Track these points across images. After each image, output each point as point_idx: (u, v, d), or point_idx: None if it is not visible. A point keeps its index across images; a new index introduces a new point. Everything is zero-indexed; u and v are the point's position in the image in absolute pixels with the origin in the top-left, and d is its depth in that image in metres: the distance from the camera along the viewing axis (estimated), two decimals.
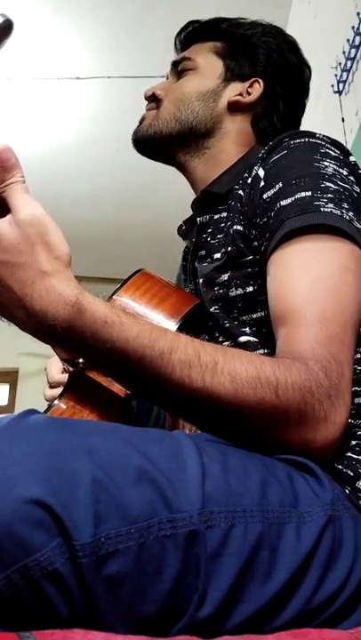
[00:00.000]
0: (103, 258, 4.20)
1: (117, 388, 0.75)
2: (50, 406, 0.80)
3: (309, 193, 0.73)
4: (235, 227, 0.84)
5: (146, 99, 1.03)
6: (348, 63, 1.98)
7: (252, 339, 0.80)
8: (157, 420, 0.95)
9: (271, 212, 0.75)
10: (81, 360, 0.74)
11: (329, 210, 0.71)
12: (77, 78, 3.04)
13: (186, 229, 1.02)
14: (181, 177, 1.04)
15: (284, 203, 0.74)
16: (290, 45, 1.02)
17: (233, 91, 0.99)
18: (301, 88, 1.04)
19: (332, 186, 0.74)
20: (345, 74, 2.02)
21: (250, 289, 0.81)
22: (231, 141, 0.98)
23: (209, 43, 1.02)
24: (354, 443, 0.68)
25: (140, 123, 1.01)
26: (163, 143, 0.99)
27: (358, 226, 0.72)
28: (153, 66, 2.49)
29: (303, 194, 0.73)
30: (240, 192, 0.86)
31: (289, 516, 0.56)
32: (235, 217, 0.85)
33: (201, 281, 0.90)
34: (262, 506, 0.55)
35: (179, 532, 0.50)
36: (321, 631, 0.52)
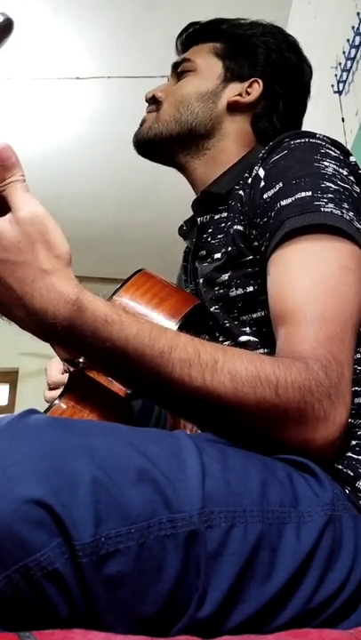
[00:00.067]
0: (103, 258, 4.20)
1: (117, 388, 0.75)
2: (50, 406, 0.81)
3: (310, 193, 0.73)
4: (235, 227, 0.84)
5: (146, 101, 1.03)
6: (348, 63, 1.98)
7: (252, 338, 0.80)
8: (158, 421, 0.95)
9: (271, 212, 0.76)
10: (81, 360, 0.74)
11: (329, 210, 0.71)
12: (77, 78, 3.04)
13: (186, 230, 1.02)
14: (181, 177, 1.04)
15: (284, 203, 0.74)
16: (290, 45, 1.02)
17: (232, 91, 0.99)
18: (302, 87, 1.04)
19: (333, 186, 0.74)
20: (345, 74, 2.02)
21: (250, 289, 0.81)
22: (231, 142, 0.98)
23: (209, 44, 1.02)
24: (354, 443, 0.68)
25: (141, 125, 1.01)
26: (163, 145, 0.99)
27: (358, 226, 0.72)
28: (153, 66, 2.49)
29: (303, 194, 0.73)
30: (240, 192, 0.86)
31: (289, 515, 0.56)
32: (235, 217, 0.85)
33: (201, 281, 0.90)
34: (262, 506, 0.55)
35: (179, 531, 0.50)
36: (321, 631, 0.52)
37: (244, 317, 0.82)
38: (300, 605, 0.54)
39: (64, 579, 0.45)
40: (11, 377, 4.55)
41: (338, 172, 0.78)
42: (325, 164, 0.77)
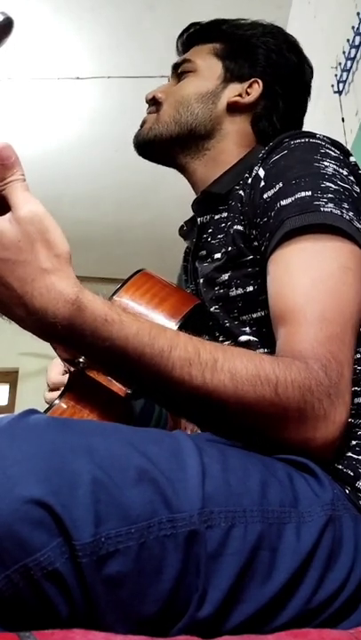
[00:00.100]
0: (103, 258, 4.20)
1: (117, 388, 0.75)
2: (50, 406, 0.81)
3: (309, 193, 0.73)
4: (235, 227, 0.84)
5: (147, 102, 1.03)
6: (349, 63, 1.98)
7: (252, 338, 0.81)
8: (159, 421, 0.95)
9: (271, 212, 0.76)
10: (81, 359, 0.74)
11: (329, 209, 0.71)
12: (77, 78, 3.04)
13: (187, 230, 1.02)
14: (181, 177, 1.04)
15: (284, 202, 0.74)
16: (290, 45, 1.02)
17: (232, 91, 0.99)
18: (302, 88, 1.04)
19: (333, 186, 0.74)
20: (345, 74, 2.02)
21: (250, 289, 0.81)
22: (231, 142, 0.98)
23: (209, 44, 1.02)
24: (354, 443, 0.68)
25: (141, 126, 1.02)
26: (163, 146, 0.99)
27: (358, 225, 0.73)
28: (153, 66, 2.49)
29: (303, 194, 0.73)
30: (240, 192, 0.86)
31: (289, 515, 0.56)
32: (235, 217, 0.85)
33: (201, 281, 0.90)
34: (262, 506, 0.55)
35: (179, 531, 0.50)
36: (321, 631, 0.52)
37: (244, 317, 0.82)
38: (300, 605, 0.54)
39: (64, 579, 0.45)
40: (11, 377, 4.55)
41: (338, 171, 0.78)
42: (325, 163, 0.77)
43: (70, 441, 0.50)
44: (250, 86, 0.99)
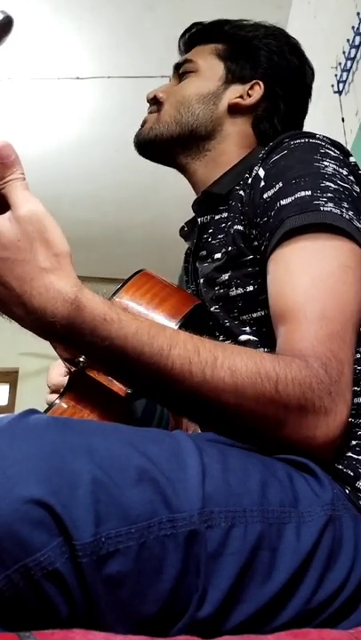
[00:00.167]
0: (103, 258, 4.20)
1: (118, 388, 0.75)
2: (50, 406, 0.81)
3: (309, 192, 0.73)
4: (235, 227, 0.84)
5: (148, 101, 1.03)
6: (348, 63, 1.98)
7: (252, 338, 0.81)
8: (161, 421, 0.95)
9: (271, 212, 0.76)
10: (82, 359, 0.74)
11: (329, 209, 0.71)
12: (77, 78, 3.04)
13: (187, 231, 1.02)
14: (182, 177, 1.04)
15: (284, 202, 0.74)
16: (292, 47, 1.02)
17: (233, 93, 0.99)
18: (303, 90, 1.04)
19: (332, 185, 0.74)
20: (345, 74, 2.02)
21: (250, 288, 0.81)
22: (232, 143, 0.98)
23: (211, 45, 1.02)
24: (354, 443, 0.68)
25: (142, 126, 1.01)
26: (164, 146, 0.99)
27: (358, 225, 0.73)
28: (153, 66, 2.49)
29: (303, 193, 0.73)
30: (241, 192, 0.86)
31: (289, 515, 0.56)
32: (235, 217, 0.85)
33: (202, 281, 0.90)
34: (262, 506, 0.55)
35: (179, 531, 0.50)
36: (321, 631, 0.52)
37: (245, 317, 0.82)
38: (300, 605, 0.54)
39: (64, 578, 0.45)
40: (11, 377, 4.55)
41: (338, 171, 0.78)
42: (325, 163, 0.77)
43: (70, 441, 0.50)
44: (251, 88, 0.98)
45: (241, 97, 0.98)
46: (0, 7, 0.63)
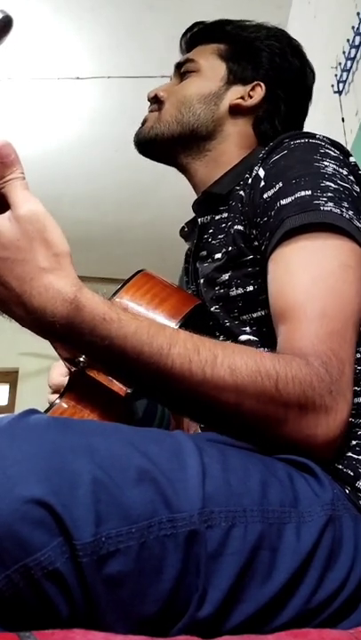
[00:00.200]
0: (103, 258, 4.20)
1: (118, 388, 0.75)
2: (51, 406, 0.81)
3: (309, 192, 0.73)
4: (235, 227, 0.84)
5: (148, 100, 1.03)
6: (348, 63, 1.98)
7: (252, 338, 0.81)
8: (162, 421, 0.95)
9: (271, 212, 0.76)
10: (82, 359, 0.74)
11: (329, 208, 0.71)
12: (77, 78, 3.04)
13: (188, 231, 1.02)
14: (182, 177, 1.04)
15: (284, 202, 0.74)
16: (293, 49, 1.02)
17: (235, 94, 0.99)
18: (304, 92, 1.04)
19: (332, 185, 0.74)
20: (345, 74, 2.02)
21: (250, 288, 0.81)
22: (233, 144, 0.98)
23: (213, 45, 1.02)
24: (354, 442, 0.68)
25: (143, 124, 1.01)
26: (164, 145, 0.99)
27: (358, 224, 0.73)
28: (153, 66, 2.50)
29: (303, 193, 0.73)
30: (241, 192, 0.86)
31: (289, 515, 0.56)
32: (235, 217, 0.85)
33: (202, 281, 0.90)
34: (263, 506, 0.55)
35: (179, 531, 0.50)
36: (321, 631, 0.52)
37: (245, 317, 0.82)
38: (300, 605, 0.54)
39: (64, 578, 0.45)
40: (11, 377, 4.55)
41: (338, 171, 0.78)
42: (325, 163, 0.78)
43: (71, 441, 0.50)
44: (253, 89, 0.98)
45: (242, 98, 0.98)
46: (0, 7, 0.63)
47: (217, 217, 0.93)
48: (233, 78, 0.99)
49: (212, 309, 0.86)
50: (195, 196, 1.00)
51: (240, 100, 0.98)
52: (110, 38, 2.89)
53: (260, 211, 0.78)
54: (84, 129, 3.35)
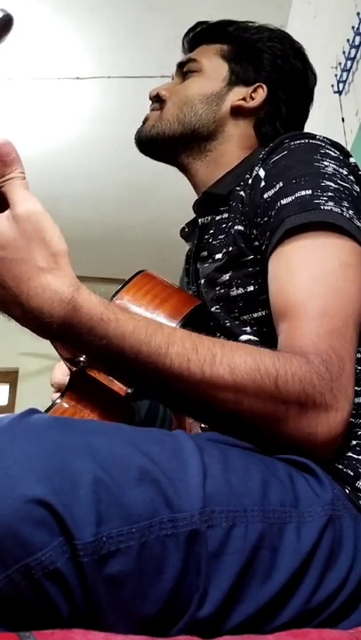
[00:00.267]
0: (103, 258, 4.20)
1: (118, 387, 0.75)
2: (51, 405, 0.81)
3: (310, 191, 0.73)
4: (236, 227, 0.84)
5: (150, 99, 1.03)
6: (348, 63, 1.98)
7: (253, 338, 0.81)
8: (164, 421, 0.95)
9: (272, 212, 0.76)
10: (82, 359, 0.74)
11: (329, 208, 0.71)
12: (77, 78, 3.04)
13: (188, 232, 1.02)
14: (182, 177, 1.04)
15: (284, 201, 0.74)
16: (296, 51, 1.02)
17: (236, 95, 0.99)
18: (305, 94, 1.04)
19: (332, 185, 0.75)
20: (345, 74, 2.02)
21: (251, 288, 0.81)
22: (234, 144, 0.98)
23: (215, 45, 1.02)
24: (354, 442, 0.68)
25: (144, 123, 1.01)
26: (165, 144, 0.99)
27: (358, 224, 0.73)
28: (153, 66, 2.50)
29: (303, 192, 0.73)
30: (241, 193, 0.86)
31: (290, 515, 0.56)
32: (236, 217, 0.85)
33: (202, 281, 0.90)
34: (263, 505, 0.55)
35: (180, 531, 0.50)
36: (321, 631, 0.52)
37: (245, 317, 0.82)
38: (300, 605, 0.54)
39: (65, 578, 0.45)
40: (11, 377, 4.55)
41: (338, 171, 0.78)
42: (325, 163, 0.78)
43: (71, 440, 0.50)
44: (254, 91, 0.98)
45: (244, 99, 0.98)
46: (0, 6, 0.63)
47: (217, 217, 0.93)
48: (235, 79, 0.99)
49: (212, 310, 0.86)
50: (195, 197, 1.00)
51: (242, 102, 0.98)
52: (110, 38, 2.89)
53: (261, 211, 0.79)
54: (84, 129, 3.35)
